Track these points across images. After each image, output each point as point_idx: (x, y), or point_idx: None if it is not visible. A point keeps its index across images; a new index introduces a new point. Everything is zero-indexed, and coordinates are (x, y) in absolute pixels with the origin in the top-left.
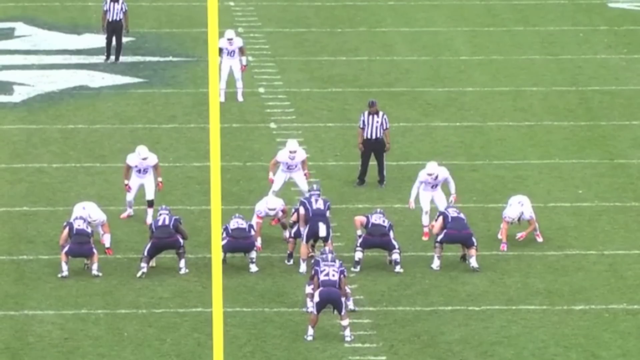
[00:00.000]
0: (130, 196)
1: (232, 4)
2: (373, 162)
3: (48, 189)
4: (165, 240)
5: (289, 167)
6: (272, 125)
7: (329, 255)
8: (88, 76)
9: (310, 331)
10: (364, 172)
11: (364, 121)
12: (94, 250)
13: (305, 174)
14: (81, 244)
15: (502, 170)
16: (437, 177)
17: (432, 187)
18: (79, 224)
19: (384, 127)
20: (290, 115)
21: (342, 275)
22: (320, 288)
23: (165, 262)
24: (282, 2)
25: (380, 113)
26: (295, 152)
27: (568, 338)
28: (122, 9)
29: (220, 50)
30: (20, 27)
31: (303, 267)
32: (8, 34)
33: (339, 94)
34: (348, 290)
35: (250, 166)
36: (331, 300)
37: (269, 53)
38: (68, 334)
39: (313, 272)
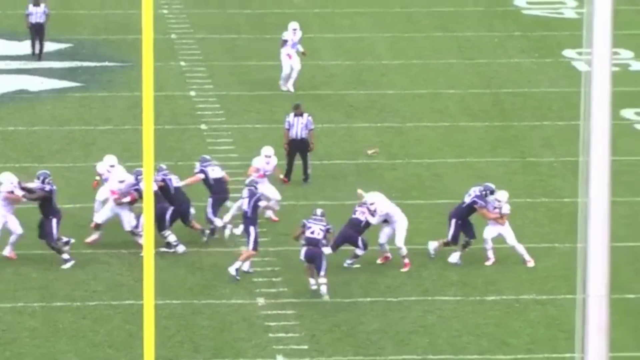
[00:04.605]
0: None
1: (165, 11)
2: (298, 161)
3: None
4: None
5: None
6: (203, 126)
7: (319, 210)
8: (28, 80)
9: (311, 281)
10: (290, 170)
11: (289, 122)
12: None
13: (283, 180)
14: None
15: (420, 169)
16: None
17: (383, 220)
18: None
19: (309, 128)
20: (220, 117)
21: (327, 233)
22: (304, 248)
23: (98, 257)
24: (214, 9)
25: (305, 115)
26: (270, 156)
27: (480, 327)
28: (44, 12)
29: (285, 42)
30: None
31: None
32: None
33: (267, 97)
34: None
35: (182, 165)
36: (312, 259)
37: (201, 58)
38: (5, 326)
39: (301, 225)
